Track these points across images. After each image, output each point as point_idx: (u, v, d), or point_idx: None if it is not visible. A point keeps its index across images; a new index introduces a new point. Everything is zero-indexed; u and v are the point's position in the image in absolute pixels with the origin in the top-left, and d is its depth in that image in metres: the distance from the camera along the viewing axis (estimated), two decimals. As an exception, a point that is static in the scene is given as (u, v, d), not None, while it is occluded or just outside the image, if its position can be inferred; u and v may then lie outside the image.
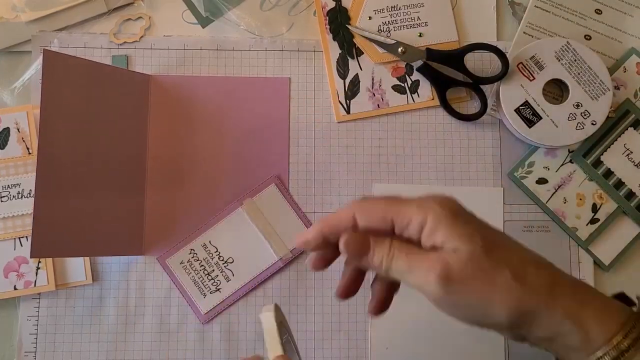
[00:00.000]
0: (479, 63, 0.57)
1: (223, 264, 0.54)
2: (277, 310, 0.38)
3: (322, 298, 0.54)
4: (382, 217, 0.35)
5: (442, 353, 0.53)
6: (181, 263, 0.54)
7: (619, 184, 0.55)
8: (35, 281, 0.53)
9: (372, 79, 0.57)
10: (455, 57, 0.55)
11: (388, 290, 0.38)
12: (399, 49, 0.56)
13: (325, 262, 0.37)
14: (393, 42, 0.56)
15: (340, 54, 0.57)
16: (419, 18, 0.57)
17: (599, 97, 0.54)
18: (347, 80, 0.56)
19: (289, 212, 0.55)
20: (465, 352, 0.53)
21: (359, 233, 0.35)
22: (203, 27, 0.57)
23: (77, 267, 0.53)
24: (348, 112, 0.56)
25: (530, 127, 0.54)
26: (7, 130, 0.54)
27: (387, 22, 0.57)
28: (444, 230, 0.33)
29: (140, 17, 0.57)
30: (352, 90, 0.56)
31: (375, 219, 0.35)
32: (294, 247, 0.54)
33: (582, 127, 0.54)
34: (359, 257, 0.35)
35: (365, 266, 0.36)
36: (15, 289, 0.53)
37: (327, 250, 0.36)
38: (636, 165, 0.56)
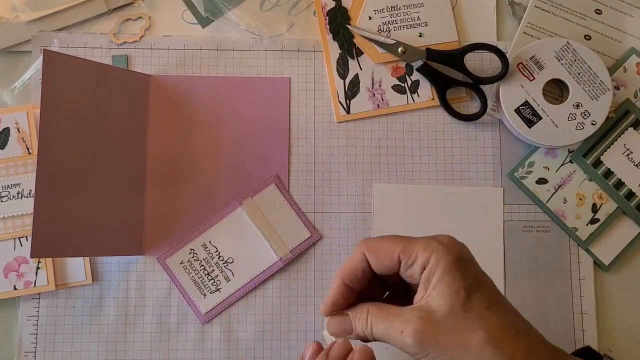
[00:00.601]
0: (479, 63, 0.57)
1: (223, 264, 0.54)
2: None
3: (322, 298, 0.54)
4: (390, 255, 0.36)
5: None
6: (181, 263, 0.54)
7: (619, 184, 0.55)
8: (35, 281, 0.53)
9: (372, 79, 0.57)
10: (455, 57, 0.55)
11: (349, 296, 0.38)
12: (399, 49, 0.56)
13: (344, 306, 0.38)
14: (393, 42, 0.56)
15: (340, 54, 0.57)
16: (419, 18, 0.57)
17: (599, 97, 0.54)
18: (347, 80, 0.56)
19: (289, 212, 0.55)
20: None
21: (337, 314, 0.38)
22: (203, 27, 0.57)
23: (77, 267, 0.53)
24: (348, 112, 0.56)
25: (530, 127, 0.54)
26: (7, 130, 0.54)
27: (387, 22, 0.57)
28: (438, 277, 0.34)
29: (140, 17, 0.57)
30: (352, 90, 0.56)
31: (383, 258, 0.36)
32: (294, 247, 0.54)
33: (582, 127, 0.54)
34: (344, 335, 0.37)
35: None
36: (15, 289, 0.53)
37: (350, 297, 0.38)
38: (636, 165, 0.56)
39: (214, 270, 0.54)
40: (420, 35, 0.57)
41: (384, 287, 0.41)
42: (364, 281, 0.38)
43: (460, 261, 0.34)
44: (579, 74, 0.54)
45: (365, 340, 0.37)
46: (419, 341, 0.33)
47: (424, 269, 0.35)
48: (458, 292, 0.33)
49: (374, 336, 0.36)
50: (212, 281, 0.54)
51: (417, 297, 0.35)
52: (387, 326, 0.35)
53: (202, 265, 0.54)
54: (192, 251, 0.54)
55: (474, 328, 0.33)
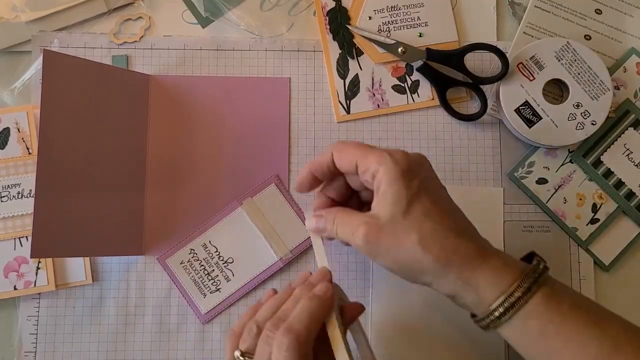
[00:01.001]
0: (479, 63, 0.57)
1: (223, 264, 0.54)
2: None
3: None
4: (351, 160, 0.41)
5: (443, 354, 0.53)
6: (181, 263, 0.54)
7: (619, 184, 0.55)
8: (35, 281, 0.53)
9: (372, 79, 0.57)
10: (455, 57, 0.55)
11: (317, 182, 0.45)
12: (399, 49, 0.56)
13: (309, 189, 0.45)
14: (393, 42, 0.56)
15: (340, 54, 0.57)
16: (419, 18, 0.57)
17: (599, 97, 0.54)
18: (347, 80, 0.56)
19: (289, 212, 0.55)
20: (465, 352, 0.53)
21: (316, 215, 0.44)
22: (203, 27, 0.57)
23: (77, 267, 0.53)
24: (348, 112, 0.56)
25: (530, 127, 0.54)
26: (7, 130, 0.54)
27: (387, 22, 0.57)
28: (385, 187, 0.39)
29: (140, 17, 0.57)
30: (352, 90, 0.56)
31: (345, 162, 0.41)
32: (294, 247, 0.54)
33: (582, 127, 0.54)
34: (319, 232, 0.44)
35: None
36: (15, 289, 0.53)
37: (315, 184, 0.44)
38: (636, 165, 0.56)
39: (214, 270, 0.54)
40: (420, 35, 0.57)
41: (360, 199, 0.46)
42: (329, 175, 0.43)
43: (405, 173, 0.39)
44: (579, 74, 0.54)
45: (332, 239, 0.44)
46: (365, 243, 0.39)
47: (374, 177, 0.40)
48: (399, 201, 0.38)
49: (339, 237, 0.42)
50: (212, 281, 0.54)
51: (372, 204, 0.40)
52: (346, 229, 0.41)
53: (202, 265, 0.54)
54: (192, 251, 0.54)
55: (409, 232, 0.38)
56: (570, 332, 0.37)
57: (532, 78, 0.55)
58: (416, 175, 0.39)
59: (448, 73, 0.56)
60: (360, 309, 0.44)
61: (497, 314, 0.37)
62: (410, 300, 0.54)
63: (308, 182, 0.44)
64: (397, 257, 0.39)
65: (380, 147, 0.42)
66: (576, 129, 0.54)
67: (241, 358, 0.39)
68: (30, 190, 0.53)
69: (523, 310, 0.37)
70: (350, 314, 0.43)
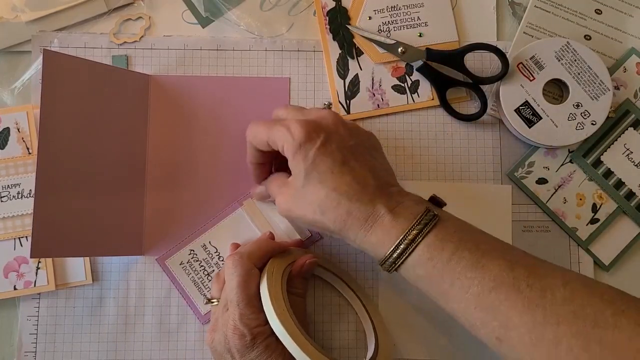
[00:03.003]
0: (479, 63, 0.57)
1: (223, 264, 0.54)
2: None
3: (323, 298, 0.54)
4: (262, 139, 0.45)
5: (450, 349, 0.53)
6: (181, 264, 0.54)
7: (619, 184, 0.55)
8: (35, 281, 0.53)
9: (372, 79, 0.57)
10: (455, 57, 0.55)
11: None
12: (399, 49, 0.56)
13: (261, 178, 0.51)
14: (393, 42, 0.56)
15: (340, 54, 0.57)
16: (418, 18, 0.57)
17: (599, 97, 0.54)
18: (347, 80, 0.56)
19: None
20: (473, 347, 0.53)
21: (260, 185, 0.52)
22: (203, 27, 0.57)
23: (77, 267, 0.53)
24: (348, 112, 0.56)
25: (530, 127, 0.54)
26: (7, 130, 0.54)
27: (387, 22, 0.57)
28: (289, 161, 0.44)
29: (140, 17, 0.57)
30: (352, 90, 0.56)
31: (260, 143, 0.46)
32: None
33: (582, 127, 0.54)
34: (263, 198, 0.53)
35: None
36: (15, 289, 0.53)
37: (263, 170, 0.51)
38: (636, 165, 0.56)
39: (214, 270, 0.54)
40: (420, 35, 0.57)
41: None
42: (265, 155, 0.48)
43: (303, 145, 0.42)
44: (579, 74, 0.54)
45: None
46: (281, 211, 0.46)
47: (284, 152, 0.44)
48: (299, 174, 0.43)
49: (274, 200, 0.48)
50: (212, 281, 0.54)
51: None
52: (274, 195, 0.47)
53: (202, 266, 0.54)
54: (192, 252, 0.54)
55: (309, 201, 0.43)
56: (452, 276, 0.40)
57: (532, 78, 0.55)
58: (313, 143, 0.42)
59: (448, 73, 0.56)
60: (305, 261, 0.49)
61: (386, 266, 0.42)
62: (416, 297, 0.54)
63: (256, 167, 0.50)
64: (306, 221, 0.44)
65: (288, 110, 0.47)
66: (576, 129, 0.54)
67: (211, 302, 0.48)
68: (30, 190, 0.53)
69: (409, 260, 0.41)
70: (299, 263, 0.49)
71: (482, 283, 0.39)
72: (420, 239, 0.40)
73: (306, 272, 0.49)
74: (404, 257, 0.41)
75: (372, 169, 0.44)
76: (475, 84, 0.56)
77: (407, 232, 0.40)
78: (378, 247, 0.42)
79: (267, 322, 0.42)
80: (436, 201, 0.45)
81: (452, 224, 0.42)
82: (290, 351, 0.40)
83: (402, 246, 0.41)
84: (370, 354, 0.49)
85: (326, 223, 0.42)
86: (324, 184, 0.42)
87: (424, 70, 0.56)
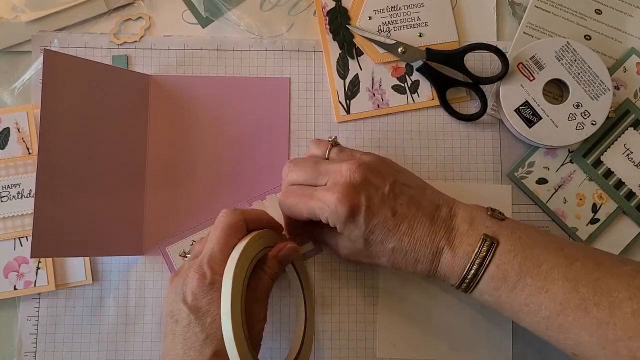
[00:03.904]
0: (479, 63, 0.57)
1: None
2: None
3: (323, 298, 0.54)
4: (304, 216, 0.45)
5: (450, 350, 0.53)
6: (180, 255, 0.53)
7: (619, 184, 0.55)
8: (35, 281, 0.53)
9: (372, 79, 0.57)
10: (455, 57, 0.55)
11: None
12: (399, 49, 0.56)
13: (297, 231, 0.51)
14: (393, 42, 0.56)
15: (340, 54, 0.57)
16: (418, 18, 0.57)
17: (599, 97, 0.54)
18: (347, 81, 0.56)
19: None
20: (473, 348, 0.53)
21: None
22: (203, 27, 0.57)
23: (77, 267, 0.53)
24: (348, 112, 0.56)
25: (530, 127, 0.54)
26: (7, 130, 0.54)
27: (387, 22, 0.57)
28: (339, 230, 0.44)
29: (140, 17, 0.57)
30: (352, 90, 0.56)
31: (299, 217, 0.46)
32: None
33: (582, 127, 0.54)
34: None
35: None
36: (15, 289, 0.53)
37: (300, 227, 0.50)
38: (636, 165, 0.56)
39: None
40: (420, 35, 0.57)
41: None
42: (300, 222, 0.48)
43: (349, 217, 0.43)
44: (579, 74, 0.54)
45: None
46: (346, 259, 0.49)
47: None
48: (356, 240, 0.44)
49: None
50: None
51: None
52: (331, 244, 0.49)
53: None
54: (194, 243, 0.54)
55: (376, 256, 0.45)
56: (519, 302, 0.41)
57: (532, 78, 0.55)
58: (359, 211, 0.43)
59: (448, 73, 0.56)
60: (285, 245, 0.48)
61: (459, 291, 0.45)
62: (417, 297, 0.54)
63: (294, 229, 0.51)
64: (377, 265, 0.47)
65: (307, 171, 0.46)
66: (576, 129, 0.54)
67: (186, 256, 0.49)
68: (30, 190, 0.53)
69: (476, 290, 0.43)
70: (280, 246, 0.48)
71: (549, 308, 0.40)
72: (481, 272, 0.42)
73: (282, 256, 0.47)
74: (471, 288, 0.43)
75: (415, 201, 0.44)
76: (475, 84, 0.56)
77: (467, 269, 0.43)
78: (447, 279, 0.45)
79: None
80: (493, 211, 0.45)
81: (510, 246, 0.42)
82: (222, 320, 0.40)
83: (466, 281, 0.43)
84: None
85: (399, 269, 0.45)
86: (385, 243, 0.44)
87: (424, 70, 0.56)
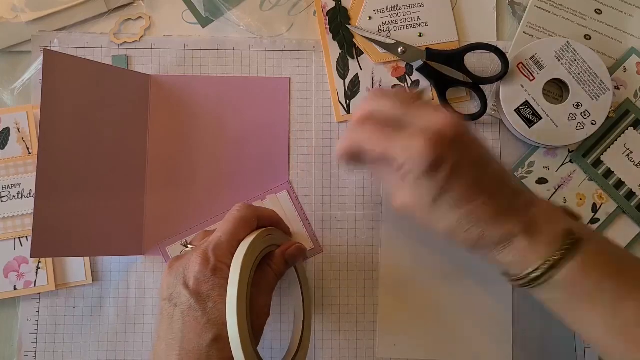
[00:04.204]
0: (479, 63, 0.57)
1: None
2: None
3: (323, 298, 0.54)
4: (377, 154, 0.40)
5: (450, 350, 0.53)
6: (182, 244, 0.53)
7: (619, 183, 0.55)
8: (35, 281, 0.53)
9: (372, 79, 0.57)
10: (455, 57, 0.55)
11: None
12: (399, 49, 0.56)
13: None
14: (393, 42, 0.56)
15: (340, 54, 0.57)
16: (419, 18, 0.57)
17: (599, 97, 0.54)
18: (347, 81, 0.56)
19: (297, 222, 0.55)
20: (473, 347, 0.53)
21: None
22: (203, 27, 0.57)
23: (77, 267, 0.53)
24: (348, 112, 0.56)
25: (530, 127, 0.54)
26: (7, 130, 0.54)
27: (387, 22, 0.57)
28: (412, 180, 0.39)
29: (140, 17, 0.57)
30: (352, 90, 0.56)
31: (368, 153, 0.41)
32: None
33: (582, 127, 0.54)
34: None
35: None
36: (15, 289, 0.53)
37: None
38: (636, 165, 0.56)
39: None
40: (420, 35, 0.57)
41: None
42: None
43: (432, 167, 0.38)
44: (579, 73, 0.54)
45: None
46: (400, 209, 0.41)
47: (402, 167, 0.39)
48: (425, 195, 0.39)
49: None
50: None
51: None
52: (390, 187, 0.43)
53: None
54: (197, 234, 0.54)
55: (438, 221, 0.41)
56: (593, 305, 0.39)
57: (532, 78, 0.55)
58: (443, 167, 0.38)
59: (448, 73, 0.56)
60: (295, 247, 0.47)
61: (516, 284, 0.41)
62: (418, 296, 0.54)
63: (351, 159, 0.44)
64: (426, 227, 0.41)
65: (396, 107, 0.41)
66: (576, 129, 0.54)
67: (187, 246, 0.46)
68: (30, 190, 0.53)
69: (546, 284, 0.39)
70: (287, 244, 0.47)
71: (628, 317, 0.38)
72: (562, 266, 0.39)
73: (289, 255, 0.47)
74: (540, 281, 0.39)
75: (499, 178, 0.41)
76: (475, 84, 0.56)
77: (547, 259, 0.39)
78: (511, 267, 0.41)
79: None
80: (568, 213, 0.43)
81: (594, 247, 0.40)
82: (227, 306, 0.39)
83: (539, 271, 0.39)
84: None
85: (453, 239, 0.41)
86: (454, 210, 0.40)
87: (424, 70, 0.56)
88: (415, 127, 0.39)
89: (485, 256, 0.41)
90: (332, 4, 0.57)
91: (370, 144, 0.40)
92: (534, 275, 0.39)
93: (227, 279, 0.40)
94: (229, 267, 0.41)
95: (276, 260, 0.46)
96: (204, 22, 0.57)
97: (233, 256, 0.41)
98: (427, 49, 0.56)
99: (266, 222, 0.46)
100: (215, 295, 0.40)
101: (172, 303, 0.41)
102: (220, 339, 0.39)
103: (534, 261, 0.39)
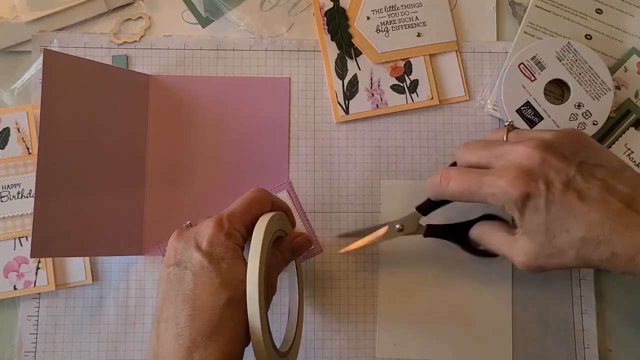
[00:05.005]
0: (479, 63, 0.57)
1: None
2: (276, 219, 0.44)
3: (323, 298, 0.54)
4: (472, 200, 0.42)
5: (450, 350, 0.53)
6: (185, 225, 0.53)
7: (620, 184, 0.55)
8: (35, 281, 0.53)
9: (371, 79, 0.57)
10: (458, 230, 0.50)
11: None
12: (396, 227, 0.50)
13: None
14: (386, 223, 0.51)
15: (338, 54, 0.57)
16: (417, 18, 0.57)
17: (600, 97, 0.54)
18: (346, 81, 0.56)
19: (296, 220, 0.54)
20: (473, 347, 0.53)
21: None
22: (203, 27, 0.57)
23: (77, 267, 0.53)
24: (347, 112, 0.56)
25: (531, 127, 0.54)
26: (7, 130, 0.54)
27: (385, 22, 0.57)
28: (516, 218, 0.41)
29: (140, 17, 0.57)
30: (351, 90, 0.56)
31: (466, 200, 0.43)
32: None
33: (583, 127, 0.54)
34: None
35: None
36: (15, 289, 0.53)
37: None
38: (637, 165, 0.55)
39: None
40: (418, 35, 0.57)
41: None
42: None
43: (525, 205, 0.39)
44: (580, 74, 0.54)
45: None
46: (527, 268, 0.42)
47: (502, 208, 0.41)
48: (537, 229, 0.40)
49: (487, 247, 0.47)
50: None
51: (517, 223, 0.42)
52: (501, 250, 0.44)
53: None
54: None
55: (563, 251, 0.40)
56: None
57: (533, 78, 0.54)
58: (537, 194, 0.39)
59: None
60: (303, 237, 0.48)
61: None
62: (418, 296, 0.54)
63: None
64: (564, 268, 0.41)
65: (476, 154, 0.43)
66: (577, 129, 0.54)
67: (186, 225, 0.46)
68: (30, 190, 0.53)
69: None
70: (297, 233, 0.48)
71: None
72: None
73: (297, 244, 0.47)
74: None
75: (608, 185, 0.39)
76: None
77: None
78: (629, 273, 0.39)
79: (244, 239, 0.42)
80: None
81: None
82: (249, 263, 0.39)
83: None
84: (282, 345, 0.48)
85: (590, 265, 0.40)
86: (571, 232, 0.39)
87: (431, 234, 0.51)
88: (501, 165, 0.41)
89: (623, 271, 0.39)
90: (330, 5, 0.57)
91: (466, 196, 0.42)
92: None
93: (240, 245, 0.41)
94: (241, 235, 0.41)
95: (285, 246, 0.46)
96: (204, 22, 0.57)
97: (246, 227, 0.42)
98: (428, 226, 0.50)
99: (278, 209, 0.47)
100: (229, 258, 0.40)
101: (181, 267, 0.40)
102: (234, 302, 0.38)
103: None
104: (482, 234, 0.47)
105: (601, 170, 0.40)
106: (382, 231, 0.50)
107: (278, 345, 0.46)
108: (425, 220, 0.50)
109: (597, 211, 0.38)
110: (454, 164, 0.47)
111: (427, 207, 0.49)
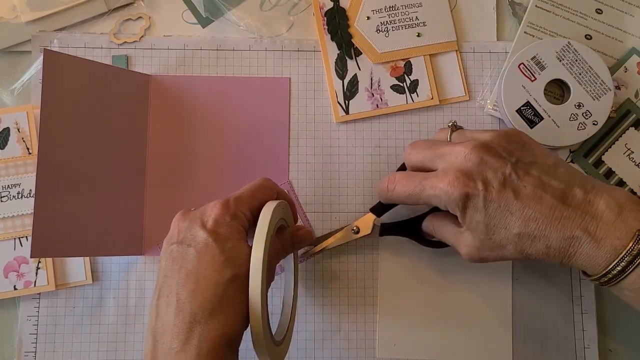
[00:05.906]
0: (479, 63, 0.57)
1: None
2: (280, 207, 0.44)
3: (323, 298, 0.54)
4: (420, 203, 0.44)
5: (450, 350, 0.53)
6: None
7: (620, 183, 0.55)
8: (35, 281, 0.53)
9: (371, 79, 0.57)
10: (409, 225, 0.52)
11: None
12: (353, 229, 0.52)
13: None
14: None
15: (338, 54, 0.57)
16: (417, 18, 0.57)
17: (600, 97, 0.54)
18: (346, 81, 0.56)
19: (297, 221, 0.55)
20: (473, 347, 0.53)
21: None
22: (203, 27, 0.57)
23: (77, 267, 0.53)
24: (347, 112, 0.56)
25: (532, 127, 0.54)
26: (7, 130, 0.54)
27: (385, 22, 0.57)
28: (459, 217, 0.43)
29: (140, 17, 0.57)
30: (351, 90, 0.56)
31: (415, 203, 0.45)
32: (301, 254, 0.54)
33: (583, 127, 0.54)
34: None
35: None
36: (15, 289, 0.53)
37: None
38: (637, 165, 0.55)
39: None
40: (418, 35, 0.57)
41: None
42: None
43: (465, 205, 0.41)
44: (580, 74, 0.54)
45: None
46: (473, 260, 0.45)
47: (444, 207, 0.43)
48: (478, 227, 0.42)
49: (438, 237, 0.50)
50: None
51: (460, 220, 0.44)
52: (449, 240, 0.47)
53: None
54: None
55: (502, 245, 0.42)
56: None
57: (533, 78, 0.54)
58: (475, 195, 0.41)
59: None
60: (305, 231, 0.49)
61: (595, 284, 0.42)
62: (418, 295, 0.54)
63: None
64: (504, 260, 0.44)
65: (421, 154, 0.45)
66: (577, 129, 0.54)
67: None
68: (30, 190, 0.53)
69: (619, 285, 0.40)
70: (299, 226, 0.48)
71: None
72: (630, 270, 0.39)
73: (299, 236, 0.48)
74: (612, 283, 0.40)
75: (542, 182, 0.41)
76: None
77: (614, 265, 0.39)
78: (584, 269, 0.41)
79: (249, 223, 0.42)
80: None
81: None
82: (255, 240, 0.39)
83: (609, 276, 0.40)
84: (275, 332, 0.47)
85: (528, 258, 0.42)
86: (509, 228, 0.41)
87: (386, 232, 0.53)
88: (441, 168, 0.43)
89: (559, 265, 0.42)
90: (330, 5, 0.57)
91: (411, 198, 0.44)
92: (604, 279, 0.40)
93: (245, 227, 0.41)
94: (247, 219, 0.42)
95: (286, 237, 0.46)
96: (204, 22, 0.57)
97: (251, 211, 0.42)
98: (382, 225, 0.52)
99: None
100: (233, 238, 0.40)
101: (184, 245, 0.40)
102: (237, 279, 0.38)
103: (603, 266, 0.39)
104: (433, 226, 0.49)
105: (536, 168, 0.42)
106: (339, 234, 0.52)
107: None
108: (379, 221, 0.52)
109: (532, 207, 0.40)
110: (403, 166, 0.49)
111: (380, 208, 0.51)
